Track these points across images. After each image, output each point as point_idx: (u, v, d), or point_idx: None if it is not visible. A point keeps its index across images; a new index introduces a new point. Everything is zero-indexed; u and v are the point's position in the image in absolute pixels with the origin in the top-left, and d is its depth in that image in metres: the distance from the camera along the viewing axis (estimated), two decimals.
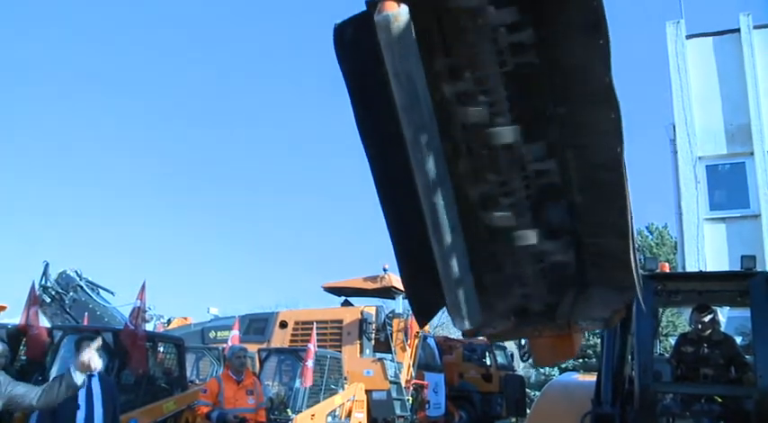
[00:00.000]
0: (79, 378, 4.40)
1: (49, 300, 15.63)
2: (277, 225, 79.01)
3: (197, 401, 8.05)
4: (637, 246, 3.38)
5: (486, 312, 3.63)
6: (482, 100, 3.09)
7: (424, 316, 4.24)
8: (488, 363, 19.83)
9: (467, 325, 3.53)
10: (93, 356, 4.31)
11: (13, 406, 4.27)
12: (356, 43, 3.13)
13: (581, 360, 22.47)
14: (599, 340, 7.80)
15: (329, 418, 11.96)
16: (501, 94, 3.08)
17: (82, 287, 16.09)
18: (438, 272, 3.38)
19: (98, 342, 4.53)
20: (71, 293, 15.86)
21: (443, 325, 47.00)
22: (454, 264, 3.33)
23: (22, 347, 9.65)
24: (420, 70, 2.92)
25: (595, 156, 3.16)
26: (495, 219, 3.45)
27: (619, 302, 3.58)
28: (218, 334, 17.00)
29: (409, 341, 16.21)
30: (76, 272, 16.42)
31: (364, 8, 2.96)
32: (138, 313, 8.54)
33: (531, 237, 3.44)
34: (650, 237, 38.63)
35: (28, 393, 4.18)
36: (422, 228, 3.27)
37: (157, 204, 77.52)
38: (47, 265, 16.06)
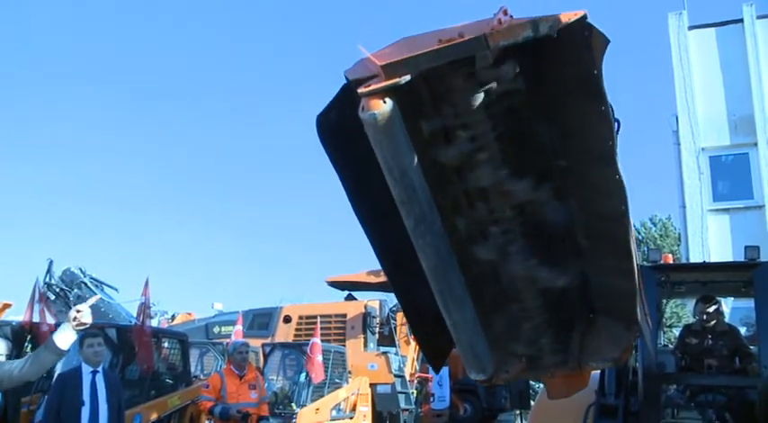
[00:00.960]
0: (64, 340, 4.12)
1: (53, 297, 15.64)
2: (280, 220, 79.15)
3: (200, 396, 8.07)
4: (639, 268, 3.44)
5: (499, 360, 3.81)
6: (481, 158, 3.11)
7: (438, 361, 4.34)
8: None
9: (482, 376, 3.75)
10: (86, 311, 4.15)
11: (4, 385, 4.19)
12: (341, 127, 3.03)
13: None
14: None
15: (334, 412, 11.97)
16: (498, 157, 3.11)
17: (86, 284, 16.08)
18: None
19: (93, 300, 4.36)
20: (75, 290, 15.86)
21: None
22: (466, 331, 3.46)
23: (27, 344, 9.69)
24: (413, 161, 2.87)
25: (599, 208, 3.18)
26: (505, 283, 3.62)
27: (626, 339, 3.64)
28: (222, 329, 16.99)
29: (413, 335, 16.19)
30: (80, 269, 16.43)
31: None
32: (144, 310, 8.55)
33: (539, 282, 3.57)
34: (654, 228, 38.64)
35: (10, 366, 4.10)
36: (428, 288, 3.30)
37: (161, 200, 77.67)
38: (51, 262, 16.08)
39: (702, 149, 15.45)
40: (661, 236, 37.16)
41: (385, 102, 2.64)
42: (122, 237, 73.89)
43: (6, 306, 12.83)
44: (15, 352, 8.92)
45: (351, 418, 12.54)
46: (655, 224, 38.86)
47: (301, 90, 77.21)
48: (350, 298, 18.24)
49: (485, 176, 3.16)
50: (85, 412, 6.20)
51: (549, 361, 3.87)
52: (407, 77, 2.63)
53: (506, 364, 3.87)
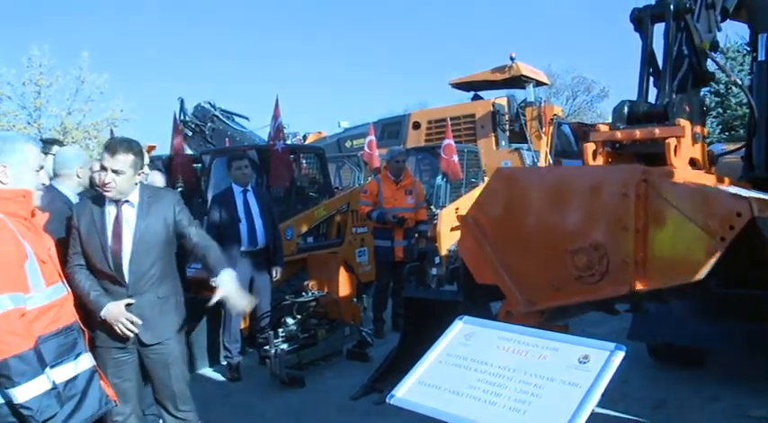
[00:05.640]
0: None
1: (190, 133, 16.35)
2: (391, 31, 77.51)
3: (359, 201, 8.33)
4: None
5: None
6: None
7: None
8: None
9: None
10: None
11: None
12: None
13: (726, 133, 21.21)
14: (747, 111, 7.19)
15: None
16: None
17: (218, 116, 16.64)
18: None
19: None
20: (209, 124, 16.47)
21: (576, 112, 45.93)
22: None
23: (179, 176, 10.31)
24: None
25: None
26: None
27: None
28: (354, 142, 17.29)
29: (544, 129, 15.88)
30: (210, 103, 16.91)
31: None
32: (278, 127, 8.72)
33: None
34: None
35: (193, 238, 3.97)
36: None
37: (273, 28, 77.66)
38: (182, 100, 16.63)
39: None
40: None
41: None
42: (244, 68, 75.38)
43: (151, 148, 13.65)
44: (170, 182, 9.51)
45: None
46: None
47: None
48: (476, 98, 17.92)
49: None
50: (243, 228, 6.58)
51: None
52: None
53: None
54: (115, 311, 3.68)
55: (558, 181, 2.66)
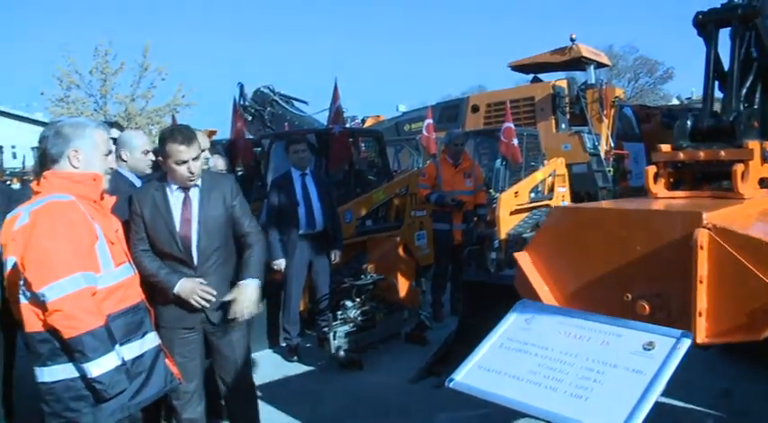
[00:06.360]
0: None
1: (250, 118, 16.50)
2: (454, 13, 76.89)
3: (418, 185, 8.34)
4: None
5: None
6: None
7: None
8: None
9: None
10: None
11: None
12: None
13: None
14: None
15: (532, 195, 11.95)
16: None
17: (277, 101, 16.73)
18: None
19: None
20: (268, 109, 16.55)
21: (638, 94, 44.85)
22: None
23: (239, 160, 10.48)
24: None
25: None
26: None
27: None
28: (413, 126, 17.19)
29: (605, 111, 15.49)
30: (269, 88, 16.99)
31: None
32: (338, 112, 8.76)
33: None
34: None
35: (245, 228, 4.00)
36: None
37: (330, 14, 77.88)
38: (241, 86, 16.76)
39: None
40: None
41: None
42: (303, 53, 75.84)
43: (212, 133, 13.92)
44: (230, 166, 9.68)
45: (549, 199, 12.48)
46: None
47: None
48: (536, 80, 17.62)
49: None
50: (301, 211, 6.62)
51: None
52: None
53: None
54: (190, 286, 3.77)
55: (619, 223, 2.56)
